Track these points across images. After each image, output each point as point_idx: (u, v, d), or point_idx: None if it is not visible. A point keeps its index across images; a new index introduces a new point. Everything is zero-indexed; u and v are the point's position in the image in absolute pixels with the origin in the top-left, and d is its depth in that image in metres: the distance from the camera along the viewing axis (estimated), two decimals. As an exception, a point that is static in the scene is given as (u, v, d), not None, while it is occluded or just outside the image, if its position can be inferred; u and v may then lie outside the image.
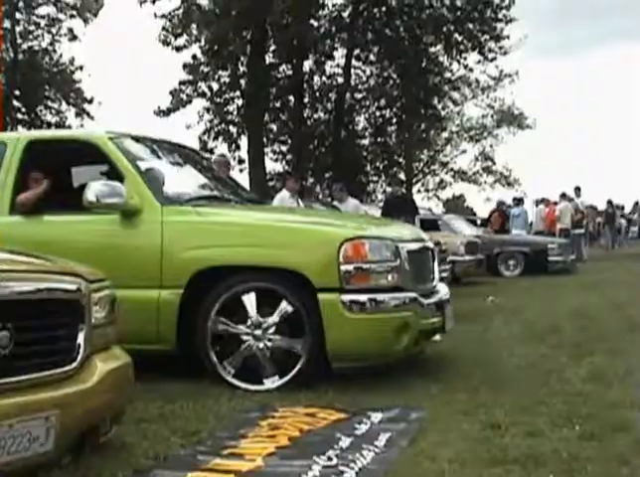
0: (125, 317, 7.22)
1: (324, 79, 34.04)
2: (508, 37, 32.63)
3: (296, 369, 7.07)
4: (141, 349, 7.38)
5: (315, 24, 31.47)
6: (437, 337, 8.03)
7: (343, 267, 6.98)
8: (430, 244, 8.27)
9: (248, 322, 7.16)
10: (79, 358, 4.56)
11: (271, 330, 7.12)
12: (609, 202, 36.78)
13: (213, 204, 8.26)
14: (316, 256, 7.09)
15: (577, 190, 28.93)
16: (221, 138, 32.27)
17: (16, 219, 8.09)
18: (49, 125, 41.07)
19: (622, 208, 42.43)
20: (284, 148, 35.31)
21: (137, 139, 8.77)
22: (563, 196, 27.85)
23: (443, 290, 8.22)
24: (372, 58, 33.59)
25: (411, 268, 7.38)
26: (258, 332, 7.13)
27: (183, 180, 8.78)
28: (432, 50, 32.88)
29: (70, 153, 9.08)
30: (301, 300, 7.07)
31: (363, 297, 7.00)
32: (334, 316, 6.95)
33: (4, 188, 8.17)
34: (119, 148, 8.06)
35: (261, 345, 7.12)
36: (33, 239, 7.71)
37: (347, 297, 6.96)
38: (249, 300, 7.17)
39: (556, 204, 28.58)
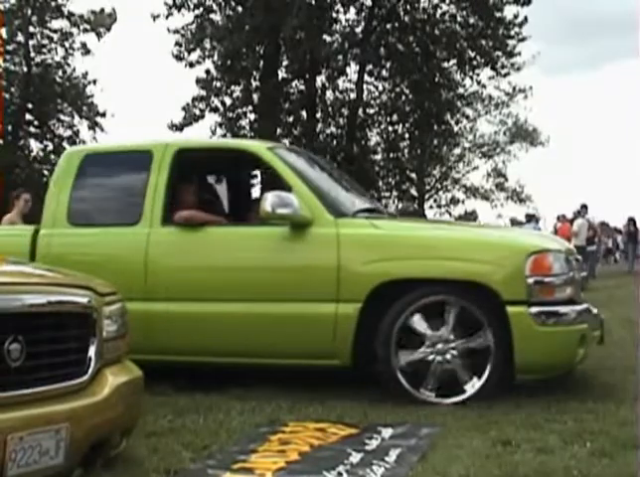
0: (298, 332, 7.31)
1: (336, 94, 34.08)
2: (519, 54, 32.67)
3: (480, 383, 7.02)
4: (312, 364, 7.51)
5: (328, 39, 31.51)
6: None
7: (529, 280, 6.96)
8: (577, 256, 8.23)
9: (431, 334, 7.09)
10: (89, 371, 4.57)
11: (454, 344, 7.07)
12: (631, 220, 36.02)
13: (381, 216, 8.23)
14: (504, 269, 7.06)
15: (584, 208, 28.58)
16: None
17: (170, 230, 7.93)
18: (61, 139, 41.20)
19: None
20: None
21: (289, 149, 8.73)
22: (579, 212, 27.63)
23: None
24: (384, 73, 33.61)
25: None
26: (440, 345, 7.06)
27: (339, 191, 8.53)
28: (445, 65, 32.91)
29: (222, 162, 9.05)
30: (486, 313, 7.03)
31: (550, 309, 7.00)
32: (523, 329, 6.91)
33: (155, 198, 7.96)
34: (280, 158, 7.96)
35: (439, 359, 7.06)
36: (191, 252, 7.80)
37: (535, 310, 6.94)
38: (445, 314, 7.10)
39: (570, 221, 28.43)
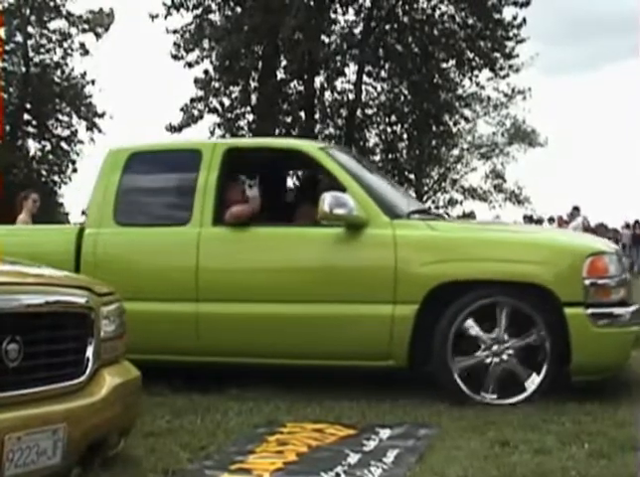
0: (353, 333, 7.30)
1: (335, 95, 34.06)
2: (517, 55, 32.68)
3: (540, 379, 7.03)
4: (366, 365, 7.51)
5: (326, 40, 31.50)
6: None
7: (586, 282, 6.97)
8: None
9: (491, 335, 7.10)
10: (87, 371, 4.57)
11: (511, 348, 7.08)
12: (638, 222, 35.65)
13: (433, 218, 8.20)
14: (562, 271, 7.08)
15: (576, 210, 28.01)
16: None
17: (222, 230, 7.84)
18: (59, 139, 41.20)
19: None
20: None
21: (339, 149, 8.66)
22: (572, 214, 27.37)
23: None
24: (383, 74, 33.60)
25: None
26: (496, 347, 7.08)
27: (389, 192, 8.44)
28: (444, 66, 32.90)
29: (272, 161, 9.00)
30: (539, 312, 7.04)
31: (606, 311, 7.02)
32: (580, 330, 6.93)
33: (205, 198, 7.85)
34: (333, 158, 7.94)
35: (497, 360, 7.07)
36: (243, 253, 7.76)
37: (592, 311, 6.95)
38: (498, 315, 7.10)
39: (566, 222, 28.25)
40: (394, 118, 34.78)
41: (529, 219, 28.64)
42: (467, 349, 7.16)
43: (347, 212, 7.28)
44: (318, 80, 32.80)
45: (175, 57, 31.13)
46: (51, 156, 41.41)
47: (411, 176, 43.00)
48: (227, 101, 32.04)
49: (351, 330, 7.35)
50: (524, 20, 31.01)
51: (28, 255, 7.64)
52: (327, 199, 7.27)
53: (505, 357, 7.06)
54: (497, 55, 32.02)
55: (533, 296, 7.09)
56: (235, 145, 8.69)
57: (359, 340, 7.33)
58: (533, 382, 7.04)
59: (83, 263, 7.87)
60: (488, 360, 7.08)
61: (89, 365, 4.59)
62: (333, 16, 31.58)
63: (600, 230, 32.11)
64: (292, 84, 32.95)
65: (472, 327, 7.12)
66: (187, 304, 7.65)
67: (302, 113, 32.86)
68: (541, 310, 7.05)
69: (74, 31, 40.74)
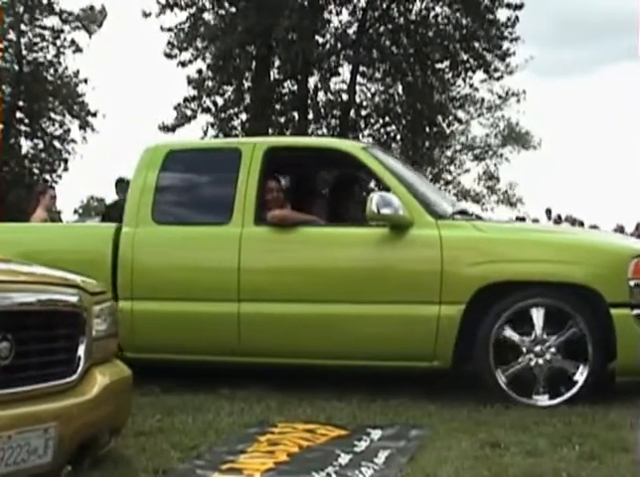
0: (398, 333, 7.29)
1: (329, 95, 34.06)
2: (514, 53, 32.65)
3: (577, 386, 7.03)
4: (410, 366, 7.47)
5: (320, 40, 31.51)
6: None
7: (631, 283, 6.98)
8: None
9: (531, 337, 7.09)
10: (79, 370, 4.56)
11: (552, 346, 7.06)
12: None
13: (476, 219, 8.18)
14: (608, 272, 7.09)
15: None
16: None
17: (264, 230, 7.79)
18: (52, 137, 41.11)
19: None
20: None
21: (380, 150, 8.62)
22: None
23: None
24: (377, 75, 33.61)
25: None
26: (538, 348, 7.06)
27: (431, 193, 8.42)
28: (439, 66, 32.91)
29: (312, 161, 8.97)
30: (586, 316, 7.04)
31: None
32: (627, 331, 6.94)
33: (246, 197, 7.79)
34: (376, 159, 7.91)
35: (541, 361, 7.05)
36: (286, 253, 7.74)
37: (638, 312, 6.96)
38: (534, 316, 7.10)
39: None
40: (387, 119, 34.80)
41: (521, 220, 28.49)
42: (509, 353, 7.15)
43: (393, 212, 7.25)
44: (312, 81, 32.82)
45: (169, 55, 31.13)
46: (43, 154, 41.31)
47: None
48: (220, 101, 32.04)
49: (396, 331, 7.32)
50: (517, 18, 30.99)
51: (59, 255, 7.72)
52: (375, 198, 7.25)
53: (548, 356, 7.05)
54: (491, 56, 32.02)
55: (574, 297, 7.10)
56: (275, 144, 8.64)
57: (404, 341, 7.32)
58: (582, 373, 7.03)
59: (121, 263, 7.86)
60: (532, 362, 7.06)
61: (81, 364, 4.58)
62: (327, 16, 31.59)
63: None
64: (286, 85, 32.97)
65: (510, 334, 7.12)
66: (228, 304, 7.60)
67: (296, 113, 32.88)
68: (581, 310, 7.05)
69: (66, 28, 40.68)
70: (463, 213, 8.28)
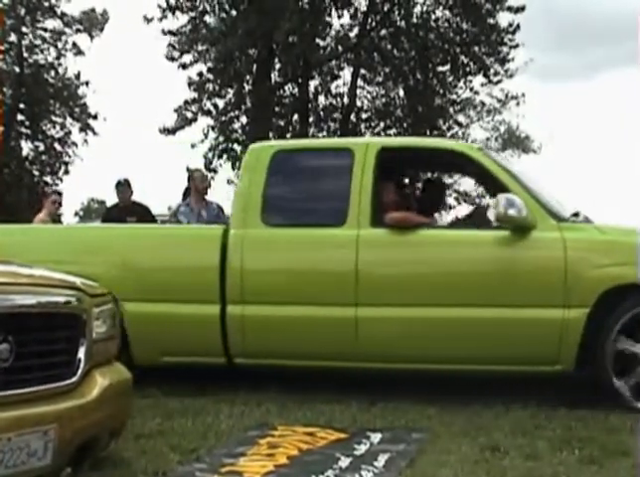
0: (521, 337, 7.16)
1: (329, 98, 34.06)
2: (513, 59, 32.65)
3: None
4: (531, 371, 7.36)
5: (321, 43, 31.51)
6: None
7: None
8: None
9: None
10: (79, 372, 4.56)
11: None
12: None
13: (590, 221, 8.00)
14: None
15: None
16: (225, 156, 32.27)
17: (381, 232, 7.59)
18: (53, 139, 41.11)
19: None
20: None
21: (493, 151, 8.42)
22: None
23: None
24: (378, 78, 33.62)
25: None
26: None
27: (546, 195, 8.06)
28: (439, 70, 32.92)
29: (424, 161, 8.87)
30: None
31: None
32: None
33: (361, 198, 7.61)
34: (493, 160, 7.76)
35: None
36: (406, 255, 7.56)
37: None
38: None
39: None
40: (388, 122, 34.81)
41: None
42: (632, 359, 7.05)
43: (519, 214, 7.13)
44: (313, 84, 32.84)
45: (169, 58, 31.13)
46: (44, 157, 41.31)
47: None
48: (221, 104, 32.03)
49: (520, 334, 7.18)
50: (518, 26, 31.02)
51: (161, 262, 7.84)
52: (502, 200, 7.14)
53: None
54: (491, 60, 32.03)
55: None
56: (388, 144, 8.52)
57: (527, 345, 7.18)
58: None
59: (229, 266, 7.67)
60: None
61: (81, 366, 4.58)
62: (328, 19, 31.58)
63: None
64: (287, 88, 32.97)
65: (626, 343, 7.03)
66: (344, 308, 7.41)
67: (296, 116, 32.88)
68: None
69: (68, 31, 40.70)
70: (576, 215, 8.01)
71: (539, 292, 7.18)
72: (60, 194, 12.82)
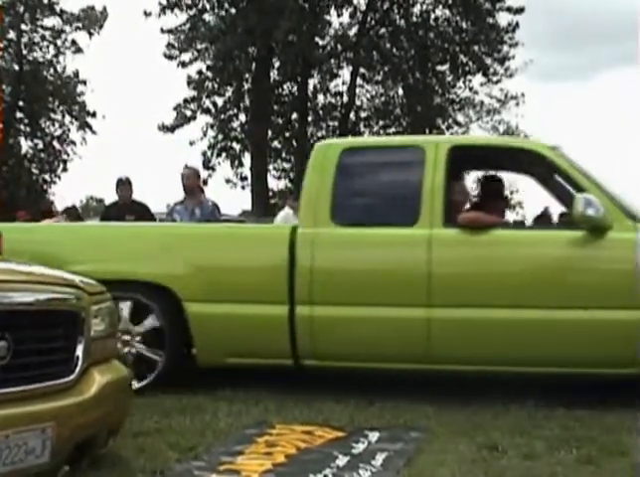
0: (599, 339, 7.05)
1: (329, 97, 34.09)
2: (513, 57, 32.69)
3: None
4: (603, 373, 7.24)
5: (320, 42, 31.53)
6: None
7: None
8: None
9: None
10: (77, 370, 4.55)
11: None
12: None
13: None
14: None
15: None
16: (224, 155, 32.30)
17: (454, 231, 7.45)
18: (52, 137, 41.12)
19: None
20: (287, 165, 35.31)
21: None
22: None
23: None
24: (377, 77, 33.65)
25: None
26: None
27: (617, 195, 7.79)
28: (438, 69, 32.95)
29: (496, 160, 8.75)
30: None
31: None
32: None
33: (434, 197, 7.46)
34: (567, 159, 7.61)
35: None
36: (480, 255, 7.40)
37: None
38: None
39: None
40: (387, 121, 34.83)
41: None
42: None
43: (596, 214, 7.02)
44: (312, 83, 32.87)
45: (168, 56, 31.16)
46: (42, 155, 41.32)
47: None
48: (220, 102, 32.06)
49: (596, 336, 7.06)
50: (517, 24, 31.06)
51: (229, 258, 7.78)
52: (581, 200, 7.03)
53: None
54: (491, 59, 32.07)
55: None
56: (459, 143, 8.45)
57: (603, 347, 7.06)
58: None
59: (298, 266, 7.50)
60: None
61: (79, 363, 4.58)
62: (327, 18, 31.62)
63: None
64: (286, 86, 33.01)
65: None
66: (417, 309, 7.29)
67: (295, 115, 32.90)
68: None
69: (67, 29, 40.69)
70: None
71: (616, 293, 7.05)
72: (76, 209, 12.86)
